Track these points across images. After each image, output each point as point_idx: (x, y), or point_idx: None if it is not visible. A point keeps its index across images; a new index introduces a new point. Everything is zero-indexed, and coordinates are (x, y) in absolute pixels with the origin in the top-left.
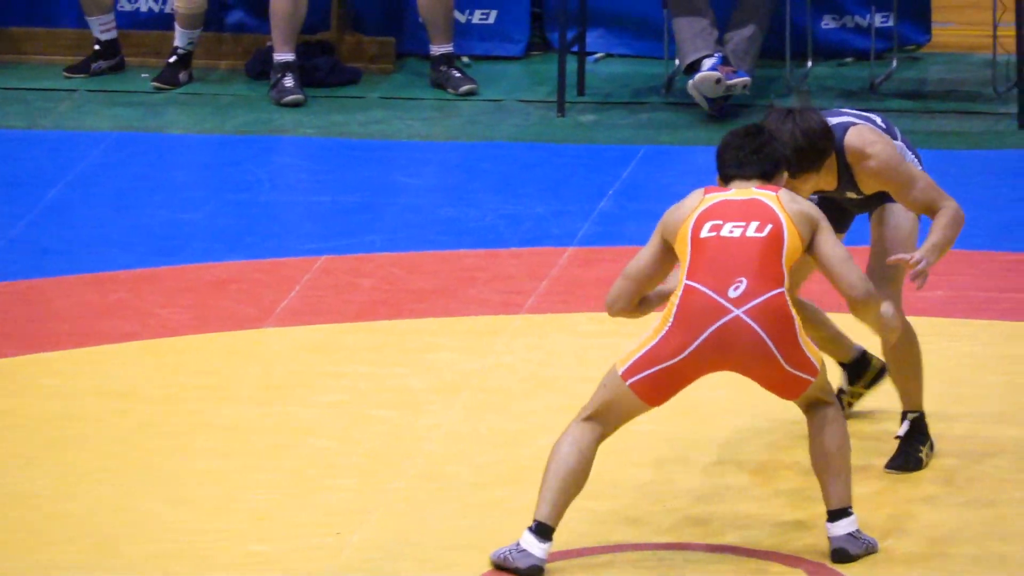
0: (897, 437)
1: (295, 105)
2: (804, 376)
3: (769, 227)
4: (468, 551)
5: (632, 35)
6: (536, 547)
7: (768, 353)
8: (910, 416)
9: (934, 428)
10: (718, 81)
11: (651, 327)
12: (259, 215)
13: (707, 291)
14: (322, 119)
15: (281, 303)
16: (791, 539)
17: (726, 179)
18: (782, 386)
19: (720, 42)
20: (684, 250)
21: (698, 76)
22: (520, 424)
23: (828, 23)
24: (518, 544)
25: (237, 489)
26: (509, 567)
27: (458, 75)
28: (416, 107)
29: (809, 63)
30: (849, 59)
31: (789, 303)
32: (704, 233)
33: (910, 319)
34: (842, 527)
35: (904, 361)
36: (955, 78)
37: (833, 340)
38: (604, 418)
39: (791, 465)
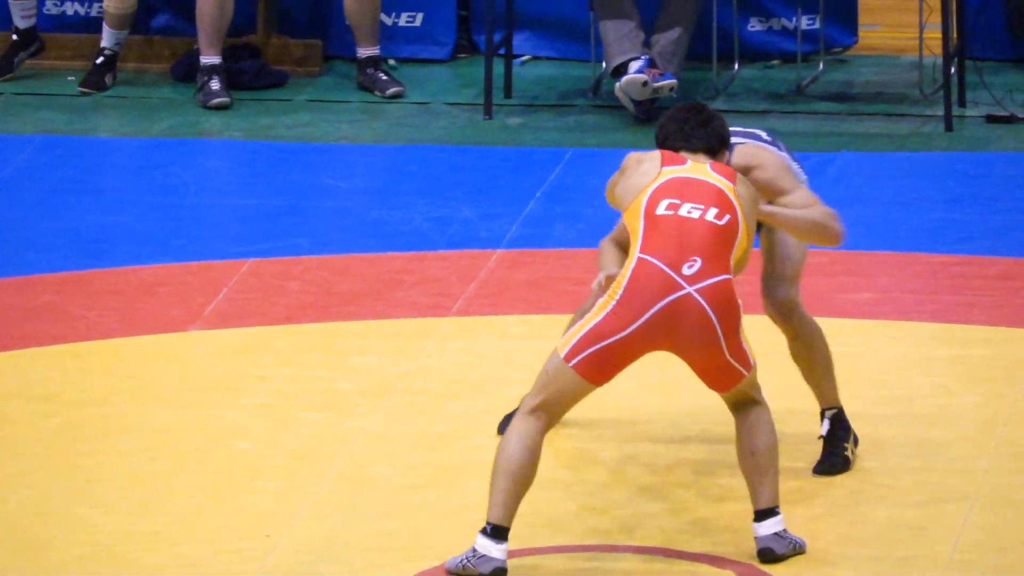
0: (820, 437)
1: (221, 108)
2: (739, 368)
3: (728, 217)
4: (395, 553)
5: (559, 38)
6: (495, 549)
7: (714, 336)
8: (828, 414)
9: (863, 431)
10: (645, 83)
11: (595, 306)
12: (186, 218)
13: (661, 265)
14: (249, 122)
15: (208, 306)
16: (721, 541)
17: (673, 150)
18: (717, 375)
19: (647, 45)
20: (636, 224)
21: (625, 79)
22: (447, 426)
23: (754, 25)
24: (474, 550)
25: (163, 491)
26: (471, 573)
27: (385, 78)
28: (343, 110)
29: (736, 65)
30: (776, 61)
31: (736, 293)
32: (660, 210)
33: (834, 320)
34: (768, 527)
35: (813, 360)
36: (882, 80)
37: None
38: (549, 407)
39: (720, 466)
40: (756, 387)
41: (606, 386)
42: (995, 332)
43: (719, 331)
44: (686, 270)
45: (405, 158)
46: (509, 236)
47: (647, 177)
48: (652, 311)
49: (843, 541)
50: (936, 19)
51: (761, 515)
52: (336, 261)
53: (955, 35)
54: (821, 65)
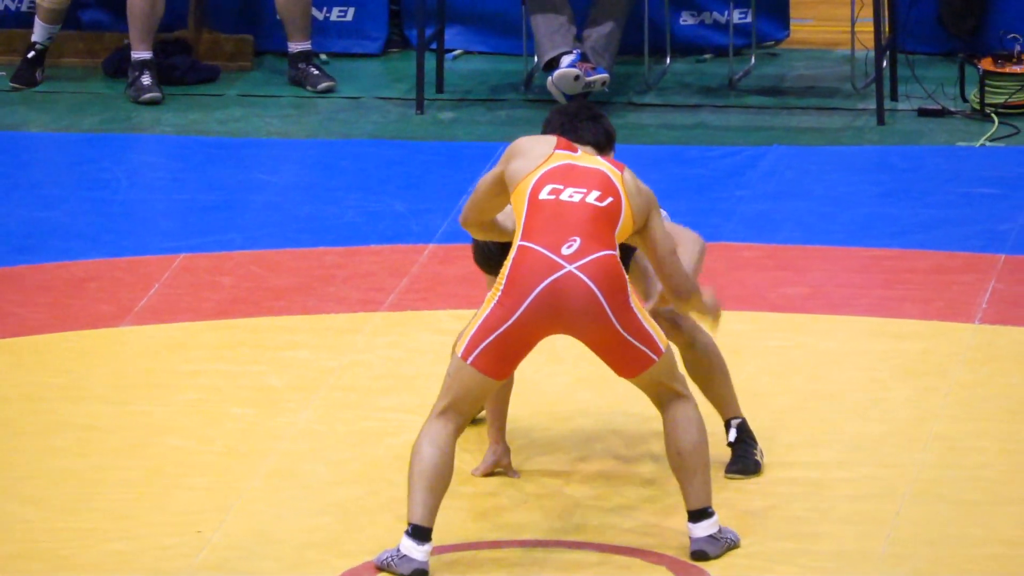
0: (729, 444)
1: (153, 103)
2: (644, 349)
3: (609, 200)
4: (326, 549)
5: (490, 32)
6: (416, 551)
7: (601, 310)
8: (734, 423)
9: (795, 425)
10: (577, 78)
11: (484, 301)
12: (117, 213)
13: (541, 249)
14: (180, 117)
15: (140, 301)
16: (654, 535)
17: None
18: (620, 356)
19: (578, 39)
20: (520, 207)
21: (557, 73)
22: (378, 422)
23: (686, 19)
24: (398, 550)
25: (95, 488)
26: (394, 572)
27: (316, 72)
28: (274, 105)
29: (668, 60)
30: (707, 56)
31: (623, 269)
32: (543, 195)
33: (767, 315)
34: (702, 528)
35: (712, 367)
36: (814, 74)
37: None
38: (457, 408)
39: (654, 461)
40: (677, 378)
41: (540, 379)
42: (927, 326)
43: (606, 305)
44: (565, 250)
45: (337, 153)
46: (441, 231)
47: (539, 159)
48: (534, 293)
49: (776, 536)
50: (868, 13)
51: (695, 516)
52: (268, 256)
53: (887, 29)
54: (753, 59)
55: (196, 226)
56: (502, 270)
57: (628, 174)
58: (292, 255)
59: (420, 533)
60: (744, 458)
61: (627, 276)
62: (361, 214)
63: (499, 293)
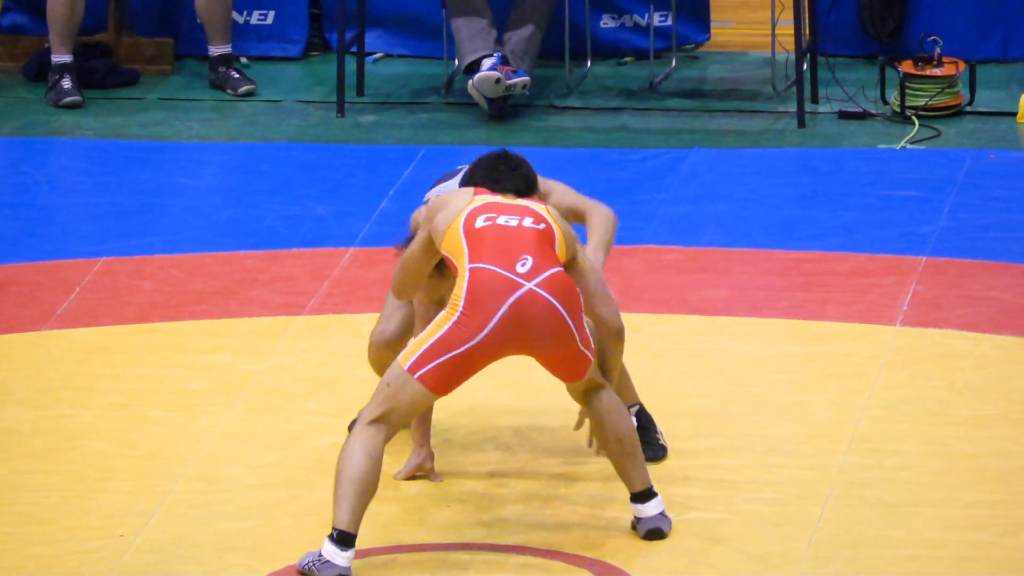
0: None
1: (73, 107)
2: (588, 354)
3: (543, 225)
4: (248, 552)
5: (411, 35)
6: (339, 556)
7: (565, 326)
8: (632, 410)
9: (716, 427)
10: (498, 81)
11: (436, 319)
12: (37, 217)
13: (496, 269)
14: (100, 121)
15: (60, 306)
16: (576, 535)
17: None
18: (572, 365)
19: (499, 42)
20: (459, 246)
21: (478, 76)
22: (299, 425)
23: (607, 22)
24: (320, 555)
25: (15, 492)
26: None
27: (237, 76)
28: (195, 108)
29: (588, 63)
30: (628, 59)
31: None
32: (479, 224)
33: (687, 317)
34: (653, 507)
35: (609, 356)
36: (734, 77)
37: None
38: (392, 418)
39: (574, 461)
40: (597, 371)
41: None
42: (848, 328)
43: (568, 320)
44: (520, 268)
45: (257, 156)
46: (362, 234)
47: (461, 204)
48: (500, 313)
49: (698, 538)
50: (788, 16)
51: (641, 497)
52: (189, 260)
53: (807, 32)
54: (674, 62)
55: (117, 230)
56: (456, 292)
57: (553, 209)
58: (213, 259)
59: (345, 539)
60: (650, 444)
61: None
62: (282, 218)
63: (458, 313)
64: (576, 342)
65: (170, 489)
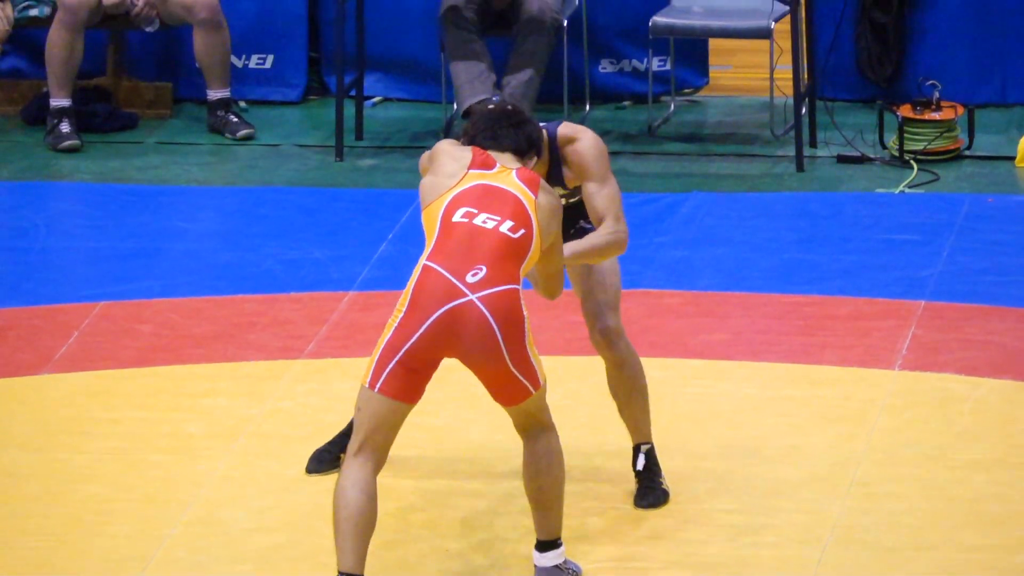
0: (636, 471)
1: (72, 151)
2: (525, 382)
3: (522, 232)
4: None
5: (410, 79)
6: None
7: (495, 345)
8: (644, 448)
9: (715, 471)
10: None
11: (386, 325)
12: (36, 261)
13: (445, 272)
14: (99, 164)
15: (59, 349)
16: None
17: (483, 148)
18: (503, 386)
19: (498, 86)
20: (432, 227)
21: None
22: (298, 469)
23: (605, 67)
24: None
25: (12, 535)
26: None
27: (235, 120)
28: (193, 152)
29: (587, 107)
30: (627, 103)
31: (522, 304)
32: (456, 217)
33: (686, 361)
34: (549, 559)
35: (635, 389)
36: (733, 121)
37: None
38: (372, 442)
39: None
40: (545, 410)
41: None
42: (846, 372)
43: (500, 340)
44: (470, 278)
45: (256, 200)
46: (361, 278)
47: (452, 179)
48: (433, 317)
49: None
50: (787, 60)
51: (544, 546)
52: (187, 304)
53: (806, 76)
54: (672, 106)
55: (115, 274)
56: (405, 291)
57: (543, 196)
58: (211, 303)
59: None
60: (652, 489)
61: (525, 313)
62: (280, 262)
63: (401, 314)
64: (506, 363)
65: (168, 533)
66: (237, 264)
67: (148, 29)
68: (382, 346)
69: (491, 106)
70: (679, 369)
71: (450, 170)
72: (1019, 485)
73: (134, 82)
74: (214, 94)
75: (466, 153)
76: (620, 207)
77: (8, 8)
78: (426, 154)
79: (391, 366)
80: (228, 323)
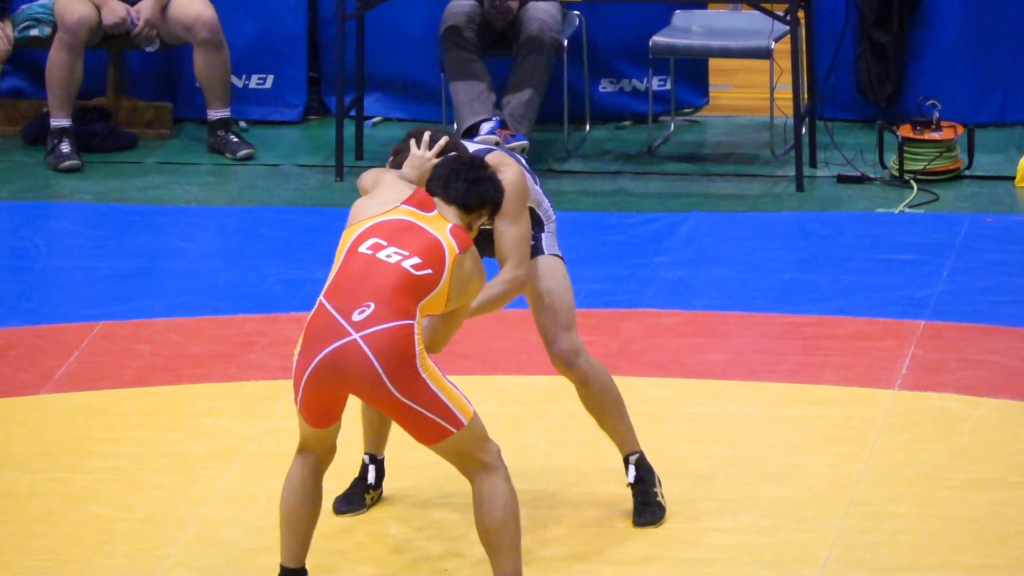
0: (629, 485)
1: (72, 171)
2: (437, 420)
3: (427, 272)
4: None
5: (410, 99)
6: None
7: (378, 381)
8: (632, 459)
9: (715, 489)
10: (496, 144)
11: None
12: (36, 281)
13: (333, 311)
14: (99, 184)
15: (59, 369)
16: None
17: (430, 192)
18: (411, 425)
19: (498, 106)
20: (340, 251)
21: (476, 140)
22: None
23: (605, 87)
24: None
25: (12, 555)
26: None
27: (235, 140)
28: (193, 172)
29: (587, 126)
30: (627, 122)
31: (415, 337)
32: (363, 248)
33: (686, 381)
34: None
35: (605, 402)
36: (733, 141)
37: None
38: (307, 447)
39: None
40: (484, 448)
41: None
42: (847, 392)
43: (384, 377)
44: (356, 316)
45: (256, 220)
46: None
47: (382, 207)
48: (318, 359)
49: None
50: (787, 80)
51: None
52: (187, 324)
53: (806, 96)
54: (672, 126)
55: (115, 294)
56: (305, 320)
57: (469, 261)
58: (212, 322)
59: (289, 574)
60: (648, 504)
61: (418, 348)
62: (280, 281)
63: (299, 348)
64: (397, 399)
65: (168, 552)
66: (237, 284)
67: (148, 49)
68: (293, 372)
69: (458, 153)
70: (679, 389)
71: (385, 198)
72: (1019, 505)
73: (134, 102)
74: (214, 114)
75: (408, 189)
76: (526, 251)
77: (9, 28)
78: (371, 174)
79: (297, 394)
80: (228, 343)
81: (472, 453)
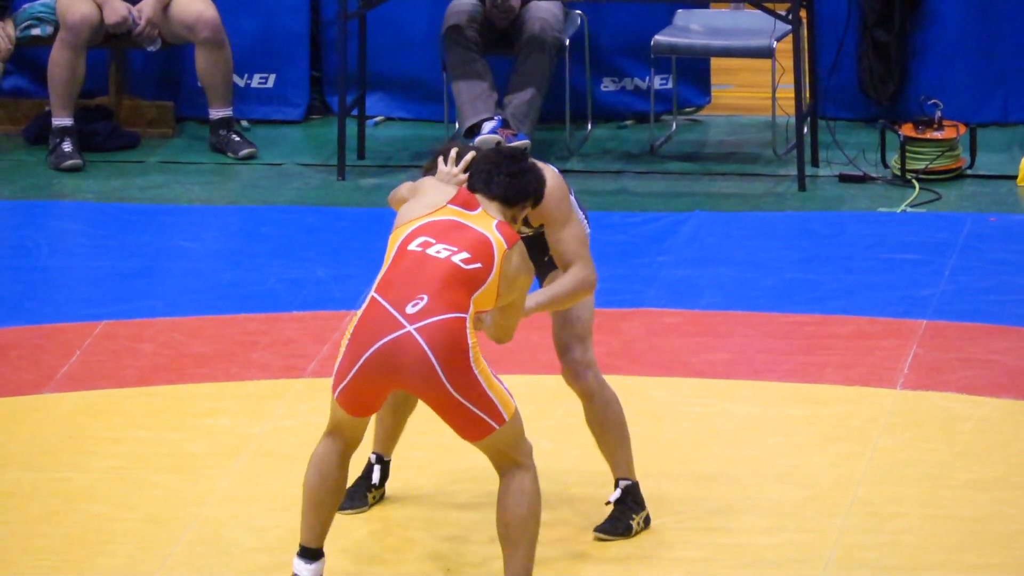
0: (608, 503)
1: (74, 170)
2: (483, 416)
3: (477, 265)
4: None
5: (412, 99)
6: (305, 569)
7: (433, 373)
8: (623, 484)
9: (717, 489)
10: (498, 144)
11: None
12: (38, 280)
13: (387, 305)
14: (101, 184)
15: (61, 369)
16: None
17: (471, 189)
18: (458, 420)
19: (500, 105)
20: (389, 252)
21: (478, 139)
22: (299, 488)
23: (607, 86)
24: (294, 573)
25: (14, 555)
26: None
27: (237, 139)
28: (195, 171)
29: (589, 126)
30: (629, 121)
31: (468, 331)
32: (412, 246)
33: (688, 380)
34: None
35: (607, 423)
36: (735, 140)
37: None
38: (338, 432)
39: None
40: (519, 449)
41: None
42: (848, 391)
43: (439, 369)
44: (409, 308)
45: (258, 219)
46: (363, 297)
47: (428, 209)
48: (369, 352)
49: None
50: (789, 79)
51: None
52: (189, 323)
53: (808, 95)
54: (674, 125)
55: (117, 293)
56: (354, 317)
57: (517, 255)
58: (213, 322)
59: (307, 553)
60: (617, 520)
61: (471, 342)
62: (283, 281)
63: (347, 341)
64: (449, 393)
65: (170, 552)
66: (239, 283)
67: (150, 48)
68: (337, 363)
69: (495, 146)
70: (680, 388)
71: (430, 200)
72: (1021, 504)
73: (136, 101)
74: (216, 113)
75: (451, 190)
76: (586, 248)
77: (10, 27)
78: (408, 184)
79: (341, 387)
80: (230, 342)
81: (509, 451)
